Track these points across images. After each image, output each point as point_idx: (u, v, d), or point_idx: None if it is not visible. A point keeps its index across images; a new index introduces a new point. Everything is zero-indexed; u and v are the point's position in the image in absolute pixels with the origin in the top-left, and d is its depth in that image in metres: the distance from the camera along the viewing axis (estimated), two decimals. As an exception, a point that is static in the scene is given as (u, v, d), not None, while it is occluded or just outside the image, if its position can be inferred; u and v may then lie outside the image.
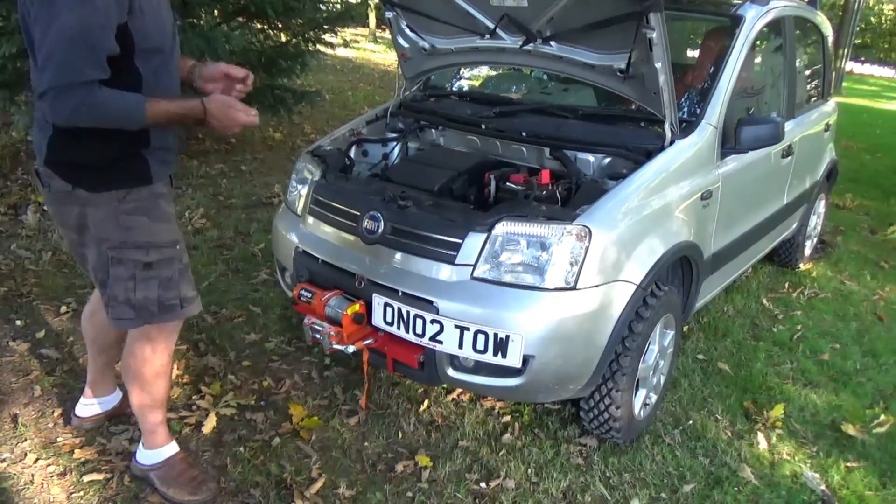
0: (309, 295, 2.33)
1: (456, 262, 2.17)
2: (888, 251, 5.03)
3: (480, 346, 2.08)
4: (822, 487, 2.41)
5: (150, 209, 1.88)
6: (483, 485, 2.29)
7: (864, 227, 5.63)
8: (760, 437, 2.64)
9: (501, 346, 2.06)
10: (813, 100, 4.10)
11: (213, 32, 4.81)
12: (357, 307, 2.25)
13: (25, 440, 2.32)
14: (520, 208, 2.22)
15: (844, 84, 16.12)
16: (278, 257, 2.78)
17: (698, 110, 2.70)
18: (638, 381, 2.42)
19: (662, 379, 2.66)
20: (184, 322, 2.12)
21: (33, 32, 1.65)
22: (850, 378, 3.16)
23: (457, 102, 3.23)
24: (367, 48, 15.97)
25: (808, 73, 4.02)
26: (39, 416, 2.45)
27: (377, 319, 2.26)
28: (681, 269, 2.70)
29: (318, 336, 2.31)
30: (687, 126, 2.60)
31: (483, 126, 2.81)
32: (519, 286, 2.11)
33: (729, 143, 2.71)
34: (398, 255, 2.27)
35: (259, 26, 5.94)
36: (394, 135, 3.11)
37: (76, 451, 2.28)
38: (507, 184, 2.58)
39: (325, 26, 6.09)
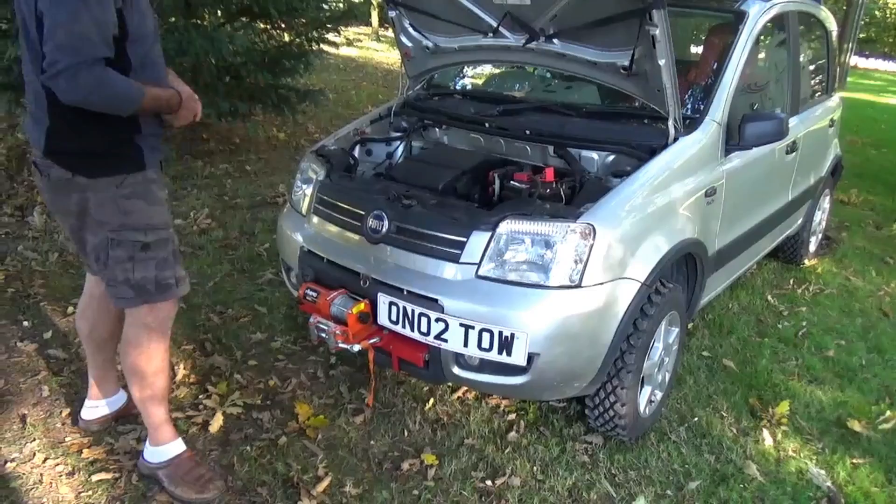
0: (314, 294, 2.34)
1: (460, 260, 2.17)
2: (893, 247, 5.01)
3: (485, 344, 2.09)
4: (828, 484, 2.41)
5: (145, 193, 1.96)
6: (489, 483, 2.30)
7: (869, 222, 5.62)
8: (766, 433, 2.64)
9: (506, 344, 2.07)
10: (817, 95, 4.09)
11: (216, 32, 4.83)
12: (362, 306, 2.26)
13: (34, 440, 2.34)
14: (524, 206, 2.23)
15: (849, 79, 16.05)
16: (283, 257, 2.79)
17: (702, 107, 2.70)
18: (643, 378, 2.42)
19: (667, 376, 2.66)
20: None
21: (44, 16, 1.69)
22: (856, 374, 3.15)
23: (460, 101, 3.23)
24: (370, 47, 15.97)
25: (812, 68, 4.01)
26: (47, 416, 2.47)
27: (382, 318, 2.27)
28: (685, 266, 2.70)
29: (323, 335, 2.32)
30: (691, 123, 2.59)
31: (487, 124, 2.82)
32: (523, 284, 2.11)
33: (733, 139, 2.71)
34: (403, 254, 2.27)
35: (262, 26, 5.95)
36: (398, 134, 3.11)
37: (84, 450, 2.30)
38: (511, 182, 2.59)
39: (328, 25, 6.11)
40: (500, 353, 2.09)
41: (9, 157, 4.98)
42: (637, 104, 2.68)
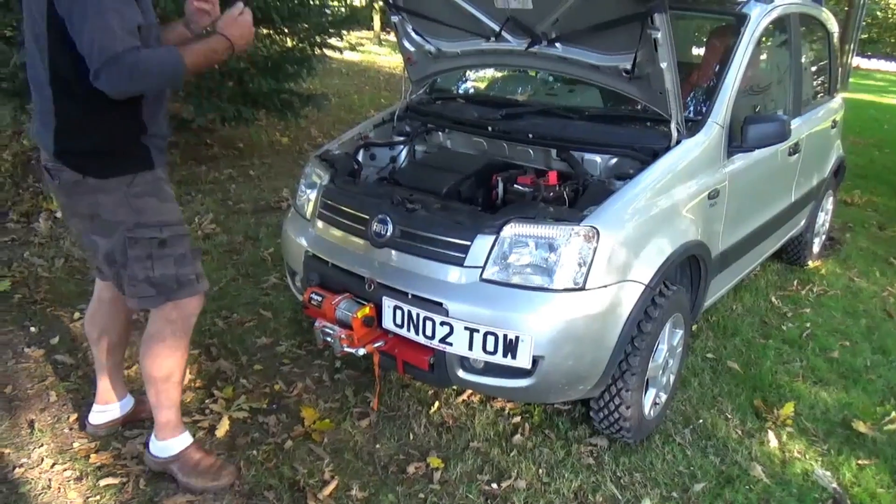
0: (319, 298, 2.35)
1: (465, 264, 2.18)
2: (897, 247, 5.01)
3: (490, 347, 2.10)
4: (834, 485, 2.41)
5: (156, 191, 1.99)
6: (494, 485, 2.30)
7: (872, 223, 5.61)
8: (771, 435, 2.64)
9: (511, 347, 2.07)
10: (819, 96, 4.09)
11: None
12: (367, 310, 2.26)
13: (42, 445, 2.35)
14: (528, 210, 2.23)
15: (851, 80, 16.05)
16: (288, 261, 2.80)
17: (704, 109, 2.71)
18: (648, 380, 2.43)
19: (672, 378, 2.66)
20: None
21: (70, 19, 1.71)
22: (861, 375, 3.15)
23: (463, 105, 3.24)
24: (372, 51, 16.02)
25: (814, 69, 4.02)
26: (55, 421, 2.48)
27: (387, 322, 2.28)
28: (689, 268, 2.70)
29: (328, 339, 2.33)
30: (693, 125, 2.60)
31: (490, 128, 2.83)
32: (528, 287, 2.12)
33: (735, 141, 2.72)
34: (407, 258, 2.28)
35: (265, 31, 5.97)
36: (401, 138, 3.12)
37: (92, 455, 2.31)
38: (515, 185, 2.60)
39: (331, 30, 6.14)
40: (504, 356, 2.09)
41: (14, 164, 5.01)
42: (639, 107, 2.69)
